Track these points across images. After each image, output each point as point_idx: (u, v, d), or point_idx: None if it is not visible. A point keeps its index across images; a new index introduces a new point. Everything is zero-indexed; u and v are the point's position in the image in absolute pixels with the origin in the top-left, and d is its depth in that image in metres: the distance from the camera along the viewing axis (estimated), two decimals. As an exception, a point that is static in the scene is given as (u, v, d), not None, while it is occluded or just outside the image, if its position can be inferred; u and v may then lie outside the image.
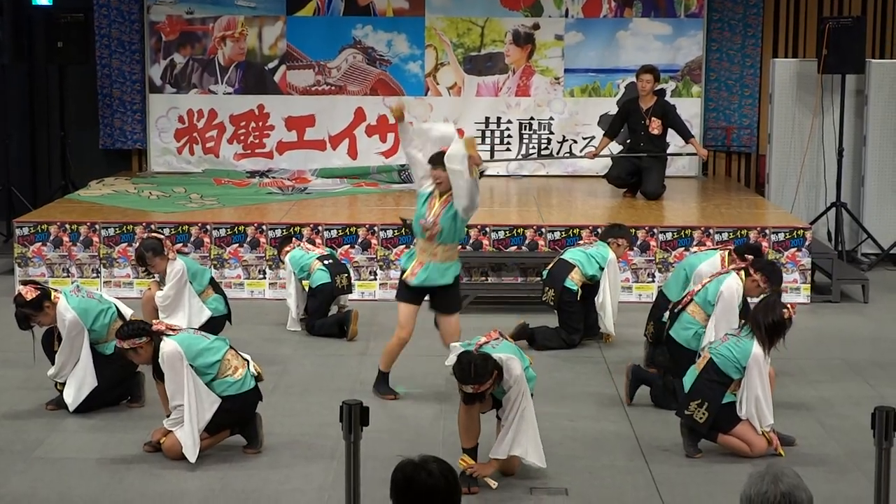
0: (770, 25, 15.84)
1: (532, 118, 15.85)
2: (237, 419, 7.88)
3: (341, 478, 5.41)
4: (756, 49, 15.83)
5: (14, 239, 12.40)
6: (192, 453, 7.60)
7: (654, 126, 13.78)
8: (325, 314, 10.86)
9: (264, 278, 12.20)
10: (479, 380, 7.09)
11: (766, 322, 7.79)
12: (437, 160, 8.62)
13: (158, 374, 7.79)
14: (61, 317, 8.58)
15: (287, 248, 11.12)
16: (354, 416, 5.05)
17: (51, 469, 7.59)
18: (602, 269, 10.39)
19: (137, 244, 10.61)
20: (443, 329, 8.95)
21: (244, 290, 12.17)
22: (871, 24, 15.41)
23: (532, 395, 7.43)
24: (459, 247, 9.08)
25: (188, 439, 7.62)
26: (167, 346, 7.72)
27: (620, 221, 11.32)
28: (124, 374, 8.73)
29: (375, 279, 12.17)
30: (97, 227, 12.23)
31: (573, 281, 10.41)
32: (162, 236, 10.36)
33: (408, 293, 8.90)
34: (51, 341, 8.82)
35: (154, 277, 10.16)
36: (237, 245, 12.22)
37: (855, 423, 8.35)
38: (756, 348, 7.75)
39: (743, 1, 15.75)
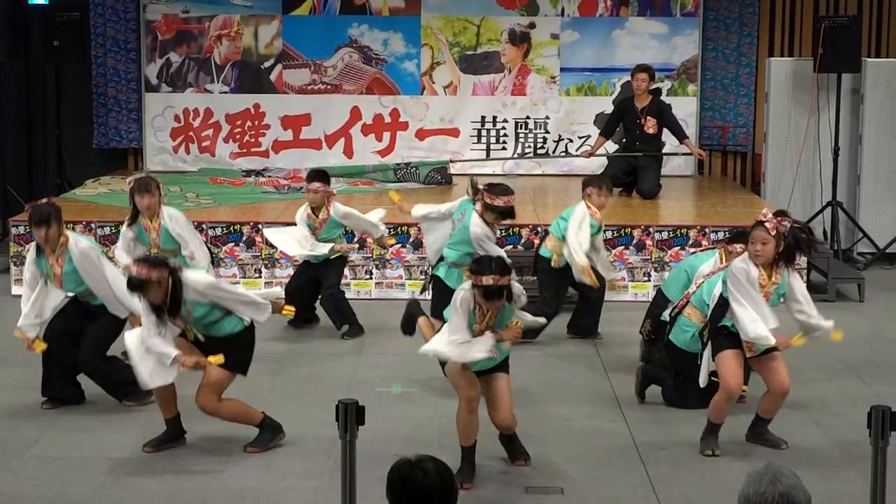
0: (766, 24, 15.84)
1: (528, 117, 15.84)
2: (250, 355, 7.97)
3: (337, 477, 5.40)
4: (752, 48, 15.83)
5: (10, 238, 12.40)
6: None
7: (650, 125, 13.79)
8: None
9: (260, 277, 12.20)
10: (500, 272, 7.19)
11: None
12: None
13: (173, 310, 7.68)
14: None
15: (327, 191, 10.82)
16: (350, 416, 5.05)
17: (46, 468, 7.59)
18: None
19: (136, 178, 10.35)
20: None
21: (239, 288, 12.14)
22: (867, 22, 15.41)
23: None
24: None
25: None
26: (193, 274, 7.81)
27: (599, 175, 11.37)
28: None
29: (371, 278, 12.16)
30: (93, 225, 12.23)
31: (546, 248, 10.48)
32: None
33: None
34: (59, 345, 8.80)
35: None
36: (233, 244, 12.22)
37: (851, 422, 8.36)
38: (737, 262, 7.88)
39: (739, 0, 15.76)
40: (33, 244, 8.85)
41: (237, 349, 7.82)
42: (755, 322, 7.71)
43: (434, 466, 4.12)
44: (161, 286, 7.59)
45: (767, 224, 7.70)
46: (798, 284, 7.95)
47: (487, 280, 7.16)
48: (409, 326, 9.36)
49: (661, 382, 8.94)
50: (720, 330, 7.91)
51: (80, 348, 8.79)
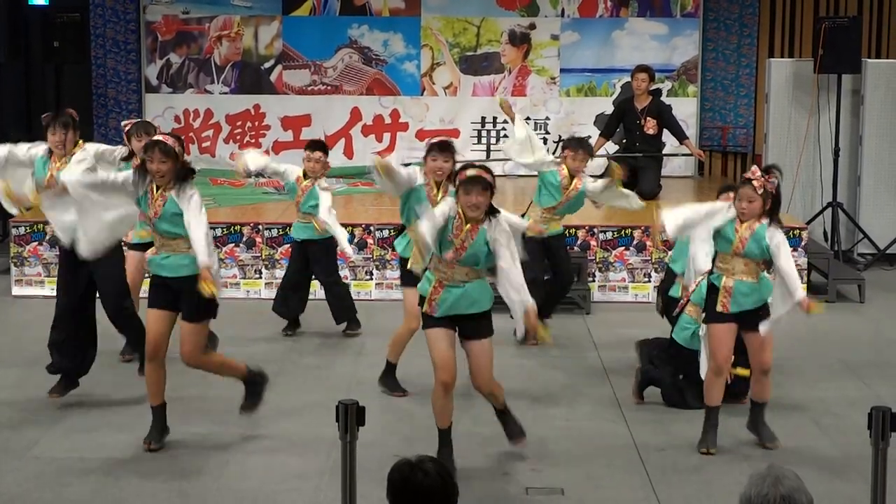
0: (766, 25, 15.85)
1: (528, 118, 15.82)
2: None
3: (337, 477, 5.40)
4: (752, 49, 15.84)
5: (10, 238, 12.40)
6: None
7: (650, 126, 13.79)
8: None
9: (260, 278, 12.20)
10: (484, 169, 7.25)
11: None
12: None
13: (182, 173, 7.69)
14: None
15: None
16: (351, 416, 5.04)
17: (46, 468, 7.58)
18: (544, 182, 10.47)
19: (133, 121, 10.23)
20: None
21: (240, 289, 12.17)
22: (867, 23, 15.42)
23: None
24: None
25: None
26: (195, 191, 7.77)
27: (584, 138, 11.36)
28: None
29: (371, 279, 12.16)
30: (93, 226, 12.21)
31: (528, 215, 10.47)
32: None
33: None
34: (67, 332, 8.80)
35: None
36: (233, 245, 12.22)
37: (851, 423, 8.35)
38: None
39: (739, 0, 15.76)
40: (45, 146, 8.86)
41: (198, 295, 7.70)
42: (677, 212, 8.10)
43: (434, 467, 4.12)
44: (171, 162, 7.62)
45: (755, 182, 7.73)
46: (784, 257, 7.80)
47: (471, 171, 7.24)
48: (390, 384, 9.30)
49: (659, 383, 8.94)
50: (712, 289, 7.91)
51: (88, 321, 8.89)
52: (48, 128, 8.78)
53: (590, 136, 15.35)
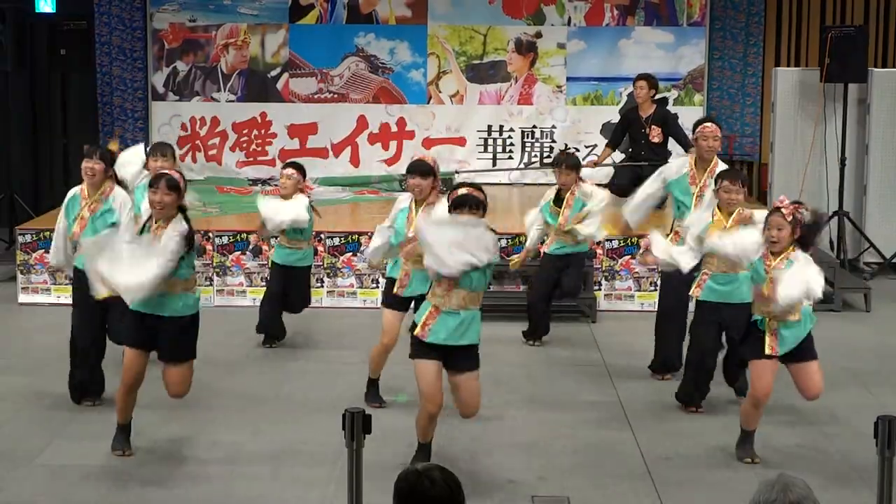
0: (772, 34, 15.85)
1: (534, 126, 15.86)
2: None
3: (343, 486, 5.41)
4: (758, 57, 15.84)
5: (16, 246, 12.42)
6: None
7: (654, 134, 13.78)
8: None
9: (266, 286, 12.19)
10: (475, 186, 7.46)
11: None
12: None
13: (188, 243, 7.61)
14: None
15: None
16: (357, 424, 5.05)
17: (52, 476, 7.58)
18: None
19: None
20: None
21: (246, 297, 12.17)
22: (873, 33, 15.42)
23: None
24: None
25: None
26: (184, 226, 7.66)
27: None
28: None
29: (377, 287, 12.15)
30: (99, 234, 12.23)
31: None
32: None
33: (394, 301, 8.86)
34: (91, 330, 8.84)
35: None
36: (239, 253, 12.23)
37: (857, 432, 8.35)
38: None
39: (745, 9, 15.77)
40: (74, 189, 8.82)
41: (190, 334, 7.80)
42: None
43: (441, 475, 4.11)
44: (172, 203, 7.59)
45: (783, 210, 7.70)
46: (798, 267, 7.72)
47: (462, 190, 7.36)
48: (371, 397, 9.27)
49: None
50: (755, 331, 7.83)
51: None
52: (88, 155, 8.69)
53: (596, 145, 15.47)
